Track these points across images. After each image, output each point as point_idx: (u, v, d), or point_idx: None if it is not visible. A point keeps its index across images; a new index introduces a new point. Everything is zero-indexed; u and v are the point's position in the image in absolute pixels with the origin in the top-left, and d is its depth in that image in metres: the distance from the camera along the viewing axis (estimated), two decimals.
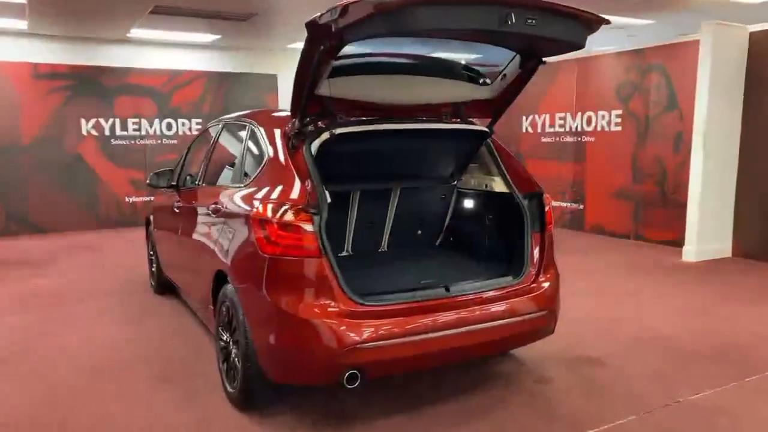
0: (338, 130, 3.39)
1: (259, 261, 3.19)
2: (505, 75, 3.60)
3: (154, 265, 5.78)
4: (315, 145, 3.41)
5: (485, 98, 3.77)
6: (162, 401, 3.58)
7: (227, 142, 4.56)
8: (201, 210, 4.13)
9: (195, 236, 4.17)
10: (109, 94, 10.03)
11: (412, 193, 4.58)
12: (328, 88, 3.22)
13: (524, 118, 10.50)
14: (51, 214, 9.89)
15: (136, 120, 10.32)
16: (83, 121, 9.99)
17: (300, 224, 3.11)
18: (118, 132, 10.18)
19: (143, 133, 10.35)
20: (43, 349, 4.46)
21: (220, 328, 3.58)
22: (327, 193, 3.10)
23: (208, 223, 3.89)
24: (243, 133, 3.99)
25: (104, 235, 9.60)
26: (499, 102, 3.76)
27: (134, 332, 4.84)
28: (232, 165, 4.18)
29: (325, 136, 3.40)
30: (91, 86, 10.13)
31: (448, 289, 3.34)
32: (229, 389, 3.48)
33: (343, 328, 2.98)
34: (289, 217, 3.14)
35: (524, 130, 10.56)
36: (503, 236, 4.14)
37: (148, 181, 5.29)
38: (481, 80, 3.87)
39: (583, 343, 4.57)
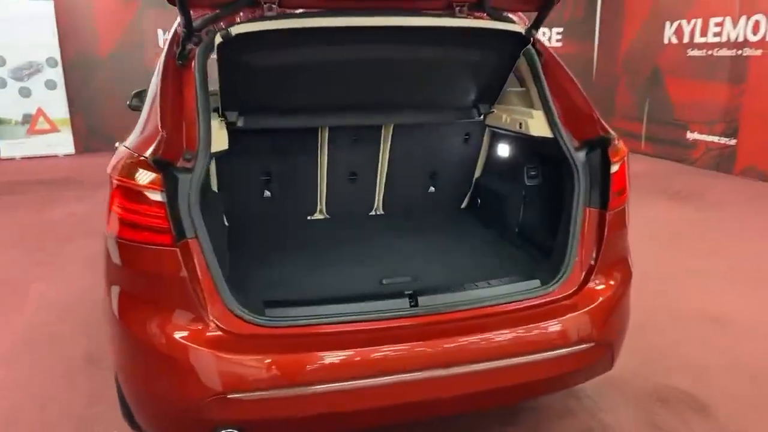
0: (238, 29, 2.07)
1: (105, 247, 2.07)
2: None
3: None
4: (201, 54, 2.19)
5: None
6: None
7: None
8: None
9: None
10: None
11: (414, 133, 3.23)
12: None
13: (668, 24, 8.18)
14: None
15: None
16: (160, 32, 9.54)
17: (141, 188, 1.90)
18: None
19: None
20: None
21: None
22: (223, 133, 2.35)
23: None
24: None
25: None
26: None
27: None
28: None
29: (217, 38, 2.13)
30: None
31: (414, 301, 1.98)
32: None
33: (212, 363, 1.92)
34: (129, 175, 1.94)
35: (666, 41, 8.26)
36: (541, 210, 2.72)
37: (128, 103, 4.31)
38: None
39: (683, 368, 2.99)
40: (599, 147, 2.27)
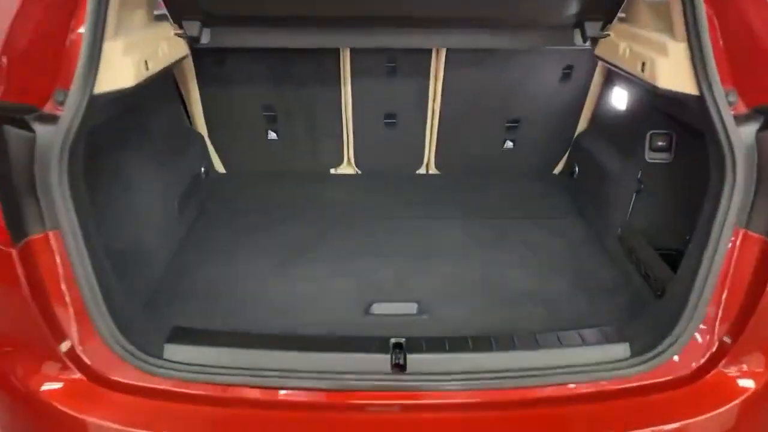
0: None
1: None
2: None
3: None
4: None
5: None
6: None
7: None
8: None
9: None
10: None
11: (482, 62, 2.23)
12: None
13: None
14: None
15: None
16: None
17: None
18: None
19: None
20: None
21: None
22: (172, 50, 1.78)
23: None
24: None
25: None
26: None
27: None
28: None
29: None
30: None
31: (399, 359, 1.28)
32: None
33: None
34: None
35: None
36: (663, 209, 1.80)
37: None
38: None
39: None
40: None
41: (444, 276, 1.77)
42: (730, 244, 1.32)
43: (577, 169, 2.28)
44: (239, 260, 1.84)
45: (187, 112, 2.31)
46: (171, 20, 1.80)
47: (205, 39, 1.87)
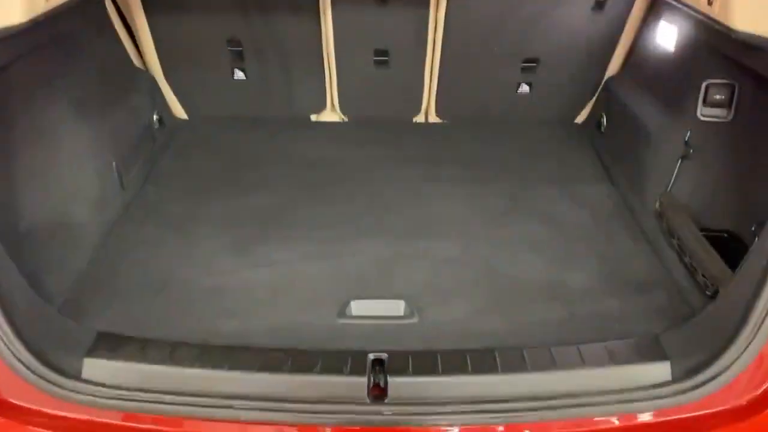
0: None
1: None
2: None
3: None
4: None
5: None
6: None
7: None
8: None
9: None
10: None
11: None
12: None
13: None
14: None
15: None
16: None
17: None
18: None
19: None
20: None
21: None
22: None
23: None
24: None
25: None
26: None
27: None
28: None
29: None
30: None
31: (381, 388, 1.01)
32: None
33: None
34: None
35: None
36: (716, 182, 1.44)
37: None
38: None
39: None
40: None
41: (440, 261, 1.44)
42: None
43: (605, 121, 1.89)
44: (190, 238, 1.51)
45: (138, 48, 1.92)
46: None
47: None
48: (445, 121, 2.10)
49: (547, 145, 1.97)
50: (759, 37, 1.06)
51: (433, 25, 1.88)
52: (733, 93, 1.41)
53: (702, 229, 1.38)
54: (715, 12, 1.16)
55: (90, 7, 1.60)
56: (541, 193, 1.71)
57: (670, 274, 1.40)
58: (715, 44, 1.37)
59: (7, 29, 1.08)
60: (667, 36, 1.65)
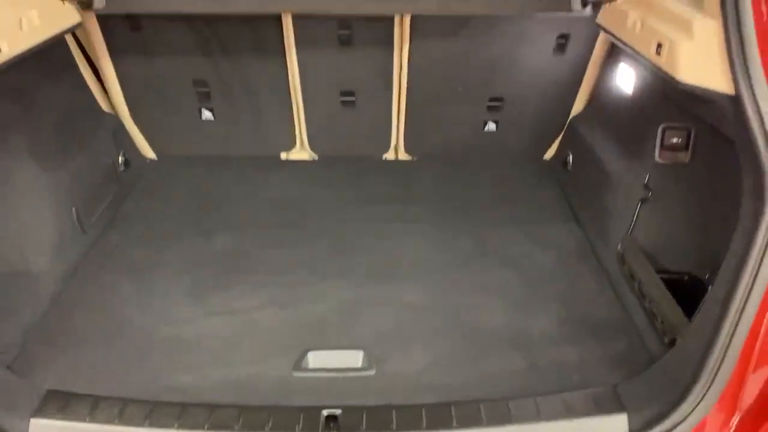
0: None
1: None
2: None
3: None
4: None
5: None
6: None
7: None
8: None
9: None
10: None
11: (458, 31, 1.85)
12: None
13: None
14: None
15: None
16: None
17: None
18: None
19: None
20: None
21: None
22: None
23: None
24: None
25: None
26: None
27: None
28: None
29: None
30: None
31: None
32: None
33: None
34: None
35: None
36: (676, 227, 1.44)
37: None
38: None
39: None
40: None
41: (403, 307, 1.42)
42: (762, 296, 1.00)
43: (571, 159, 1.90)
44: (149, 284, 1.48)
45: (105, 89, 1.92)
46: None
47: (99, 4, 1.47)
48: (414, 158, 2.10)
49: (515, 183, 1.97)
50: (703, 89, 1.08)
51: (398, 66, 1.88)
52: (689, 137, 1.42)
53: (663, 272, 1.38)
54: (662, 62, 1.18)
55: (54, 51, 1.60)
56: (507, 234, 1.70)
57: (631, 319, 1.38)
58: (669, 90, 1.39)
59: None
60: (626, 79, 1.66)
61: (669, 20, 1.18)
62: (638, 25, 1.30)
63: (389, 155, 2.10)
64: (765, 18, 1.00)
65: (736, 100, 0.99)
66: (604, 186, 1.64)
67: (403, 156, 2.10)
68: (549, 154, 2.09)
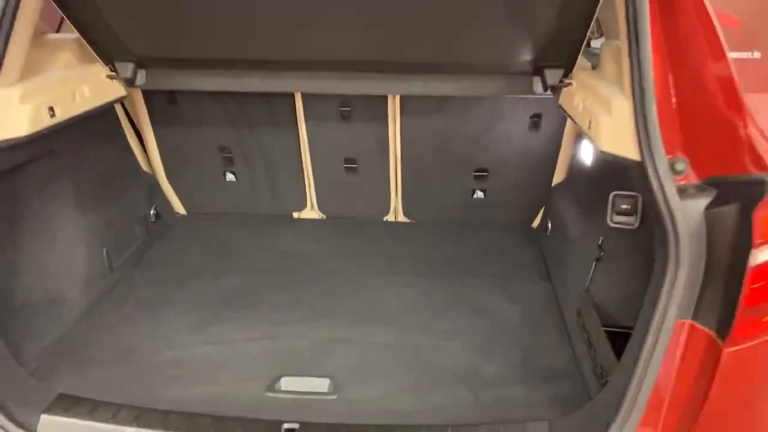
0: None
1: None
2: None
3: None
4: None
5: None
6: None
7: None
8: None
9: None
10: None
11: (443, 106, 2.08)
12: None
13: None
14: None
15: None
16: None
17: None
18: None
19: None
20: None
21: None
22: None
23: None
24: None
25: None
26: None
27: None
28: None
29: None
30: None
31: None
32: None
33: None
34: None
35: None
36: (624, 283, 1.56)
37: None
38: None
39: None
40: (742, 199, 1.04)
41: (372, 346, 1.59)
42: (670, 339, 1.12)
43: (550, 225, 2.07)
44: (159, 317, 1.72)
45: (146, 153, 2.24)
46: (102, 62, 1.73)
47: (140, 81, 1.79)
48: (412, 221, 2.31)
49: (500, 245, 2.14)
50: (620, 156, 1.25)
51: (393, 137, 2.12)
52: (637, 203, 1.58)
53: (612, 326, 1.50)
54: (592, 134, 1.37)
55: (105, 118, 1.92)
56: (483, 288, 1.86)
57: (579, 366, 1.51)
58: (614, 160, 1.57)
59: (14, 139, 1.36)
60: (587, 152, 1.86)
61: (599, 101, 1.39)
62: (581, 105, 1.50)
63: (390, 217, 2.32)
64: (668, 98, 1.19)
65: (641, 165, 1.17)
66: (569, 248, 1.80)
67: (401, 219, 2.31)
68: (536, 222, 2.26)
